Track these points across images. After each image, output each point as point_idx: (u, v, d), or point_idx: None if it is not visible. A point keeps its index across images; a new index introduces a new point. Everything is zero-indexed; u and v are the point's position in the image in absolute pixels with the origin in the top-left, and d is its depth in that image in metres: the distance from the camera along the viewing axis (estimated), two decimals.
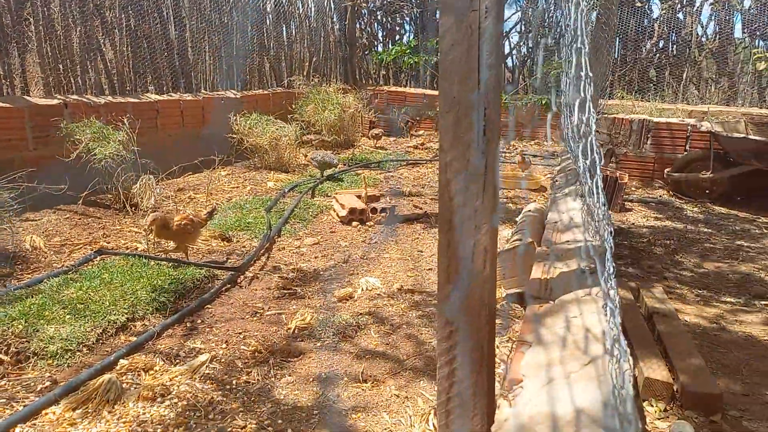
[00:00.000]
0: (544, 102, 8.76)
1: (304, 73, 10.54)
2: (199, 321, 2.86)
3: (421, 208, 5.50)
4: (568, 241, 1.60)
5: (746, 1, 9.80)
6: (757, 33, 9.78)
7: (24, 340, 2.36)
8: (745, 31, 9.86)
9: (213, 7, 7.57)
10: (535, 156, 8.56)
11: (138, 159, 4.53)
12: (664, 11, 10.26)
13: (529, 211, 4.56)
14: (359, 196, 5.21)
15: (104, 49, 5.91)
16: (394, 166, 7.43)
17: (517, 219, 4.43)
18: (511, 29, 11.77)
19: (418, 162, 7.80)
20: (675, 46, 10.30)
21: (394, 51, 8.87)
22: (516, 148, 9.20)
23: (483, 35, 1.07)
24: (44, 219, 4.15)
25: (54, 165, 4.32)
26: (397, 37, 12.05)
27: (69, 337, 2.37)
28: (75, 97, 5.21)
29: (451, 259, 1.17)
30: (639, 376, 2.49)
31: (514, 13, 11.61)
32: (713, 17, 10.05)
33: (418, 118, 10.63)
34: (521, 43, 11.54)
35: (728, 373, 2.69)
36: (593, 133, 1.14)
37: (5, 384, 2.21)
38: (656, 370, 2.47)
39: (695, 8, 10.00)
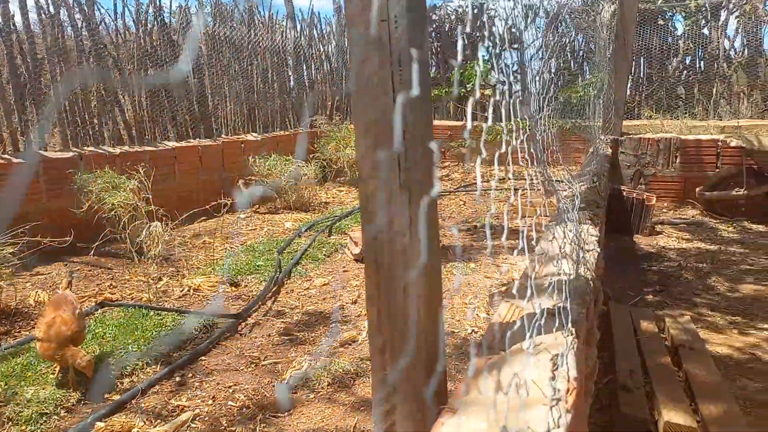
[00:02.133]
0: (566, 126, 8.55)
1: (327, 113, 10.66)
2: (190, 375, 2.76)
3: (440, 241, 5.34)
4: (549, 275, 1.44)
5: None
6: None
7: (2, 403, 2.30)
8: None
9: (232, 54, 7.75)
10: (561, 181, 8.31)
11: (151, 206, 4.55)
12: (688, 27, 10.00)
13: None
14: None
15: (122, 101, 6.07)
16: None
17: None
18: (533, 57, 11.66)
19: (441, 193, 7.67)
20: (702, 62, 9.97)
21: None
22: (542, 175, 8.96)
23: (395, 47, 0.96)
24: (54, 272, 4.18)
25: (66, 217, 4.38)
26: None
27: (47, 399, 2.30)
28: (91, 148, 5.33)
29: (381, 306, 1.04)
30: (659, 418, 2.25)
31: (535, 40, 11.51)
32: (740, 30, 9.72)
33: (443, 150, 10.55)
34: (543, 70, 11.40)
35: (763, 413, 2.42)
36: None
37: None
38: (678, 413, 2.22)
39: (720, 22, 9.70)
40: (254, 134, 7.96)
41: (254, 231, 5.78)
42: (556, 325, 1.15)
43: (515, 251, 1.17)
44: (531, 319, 1.13)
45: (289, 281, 4.19)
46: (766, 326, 3.30)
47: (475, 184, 8.21)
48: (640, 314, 3.34)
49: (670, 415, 2.21)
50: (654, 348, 2.81)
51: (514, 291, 1.38)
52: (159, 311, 3.30)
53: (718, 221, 5.79)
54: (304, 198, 6.82)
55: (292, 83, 9.59)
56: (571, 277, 1.37)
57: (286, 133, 8.70)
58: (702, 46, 9.89)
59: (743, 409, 2.36)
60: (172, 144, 6.34)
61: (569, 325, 1.07)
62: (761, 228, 5.50)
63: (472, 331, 3.36)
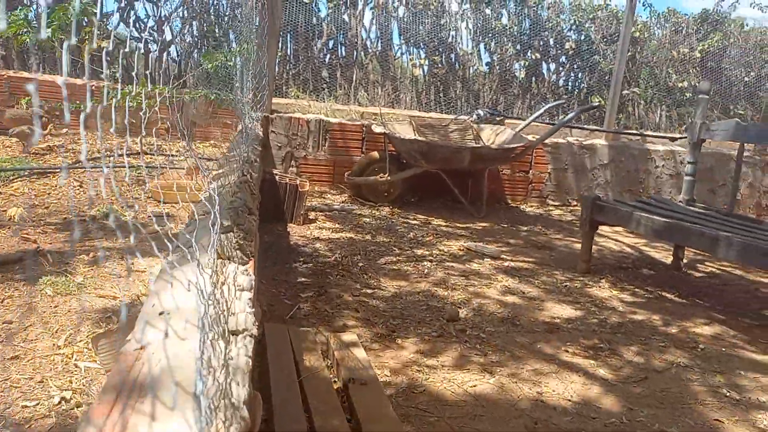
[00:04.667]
0: (211, 97, 7.64)
1: None
2: None
3: (34, 241, 3.81)
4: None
5: (401, 8, 10.41)
6: (411, 41, 10.52)
7: None
8: (402, 38, 10.50)
9: None
10: (210, 160, 7.37)
11: None
12: (330, 11, 10.21)
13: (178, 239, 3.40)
14: None
15: None
16: (7, 177, 5.34)
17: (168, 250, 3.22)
18: (172, 13, 10.30)
19: (48, 170, 5.81)
20: (344, 48, 10.36)
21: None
22: (188, 151, 7.87)
23: None
24: None
25: None
26: (20, 9, 9.33)
27: None
28: None
29: None
30: None
31: None
32: (374, 22, 10.41)
33: (57, 113, 8.32)
34: (185, 31, 10.16)
35: None
36: None
37: None
38: None
39: (358, 11, 10.18)
40: None
41: None
42: None
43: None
44: None
45: None
46: (418, 330, 3.10)
47: (100, 158, 6.60)
48: (302, 337, 2.73)
49: None
50: (322, 394, 2.20)
51: None
52: None
53: (364, 207, 5.80)
54: None
55: None
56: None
57: None
58: (343, 32, 10.25)
59: None
60: None
61: None
62: (400, 214, 5.70)
63: (61, 399, 2.16)
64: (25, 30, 6.82)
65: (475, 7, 10.36)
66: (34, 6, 9.31)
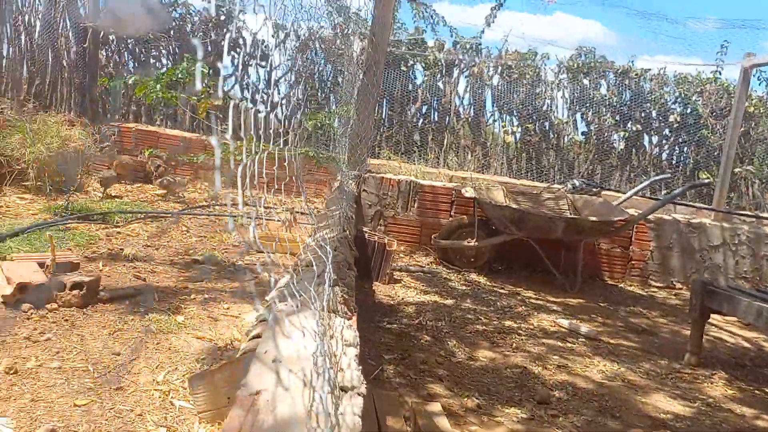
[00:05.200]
0: (310, 154, 7.95)
1: (21, 97, 8.31)
2: None
3: (144, 280, 4.00)
4: None
5: (495, 77, 10.52)
6: (504, 108, 10.54)
7: None
8: (495, 105, 10.55)
9: None
10: (303, 214, 7.57)
11: None
12: (426, 78, 10.49)
13: (283, 287, 3.43)
14: (43, 264, 3.56)
15: None
16: (127, 219, 5.72)
17: (267, 297, 3.26)
18: (280, 78, 11.03)
19: (161, 215, 6.19)
20: (437, 113, 10.55)
21: (132, 80, 7.13)
22: (286, 204, 8.16)
23: None
24: None
25: None
26: (153, 71, 10.45)
27: None
28: None
29: None
30: None
31: (286, 61, 10.92)
32: (468, 89, 10.56)
33: (173, 163, 8.99)
34: (291, 94, 10.80)
35: None
36: None
37: None
38: None
39: (453, 78, 10.39)
40: None
41: None
42: None
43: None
44: None
45: None
46: (507, 410, 2.88)
47: (207, 206, 6.97)
48: (385, 401, 2.61)
49: None
50: None
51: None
52: None
53: (450, 271, 5.67)
54: None
55: None
56: None
57: None
58: (437, 98, 10.47)
59: None
60: None
61: None
62: (487, 282, 5.52)
63: None
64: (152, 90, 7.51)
65: (572, 78, 10.28)
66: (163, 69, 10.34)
